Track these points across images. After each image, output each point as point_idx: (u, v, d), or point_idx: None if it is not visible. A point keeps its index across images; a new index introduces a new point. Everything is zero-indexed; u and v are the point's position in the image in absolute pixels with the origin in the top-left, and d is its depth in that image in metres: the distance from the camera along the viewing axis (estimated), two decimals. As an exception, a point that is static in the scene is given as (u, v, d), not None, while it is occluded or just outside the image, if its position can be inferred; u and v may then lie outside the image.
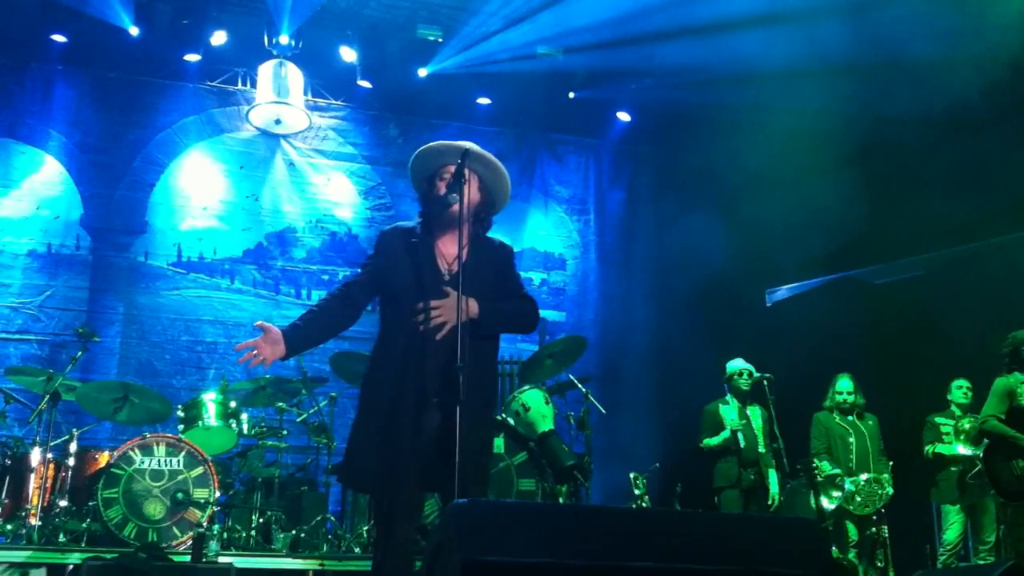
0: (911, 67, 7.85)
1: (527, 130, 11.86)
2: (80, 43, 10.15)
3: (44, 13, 9.74)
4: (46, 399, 7.37)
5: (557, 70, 10.92)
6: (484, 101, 11.27)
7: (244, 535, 7.45)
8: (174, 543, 6.96)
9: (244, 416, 7.99)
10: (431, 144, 4.37)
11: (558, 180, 11.98)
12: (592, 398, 8.09)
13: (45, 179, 10.21)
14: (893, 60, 7.99)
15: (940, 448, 8.04)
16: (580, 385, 8.08)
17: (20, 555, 6.36)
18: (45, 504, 7.09)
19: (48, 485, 7.20)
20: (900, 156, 8.80)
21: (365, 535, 7.42)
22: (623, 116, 11.61)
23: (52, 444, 7.41)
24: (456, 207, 4.14)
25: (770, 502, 7.86)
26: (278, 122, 10.66)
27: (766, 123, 9.00)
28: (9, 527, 6.95)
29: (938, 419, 8.21)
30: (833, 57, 8.18)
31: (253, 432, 8.01)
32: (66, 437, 7.52)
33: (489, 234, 4.45)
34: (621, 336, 11.45)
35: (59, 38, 10.09)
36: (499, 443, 7.11)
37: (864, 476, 7.71)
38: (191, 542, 6.67)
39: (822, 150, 8.63)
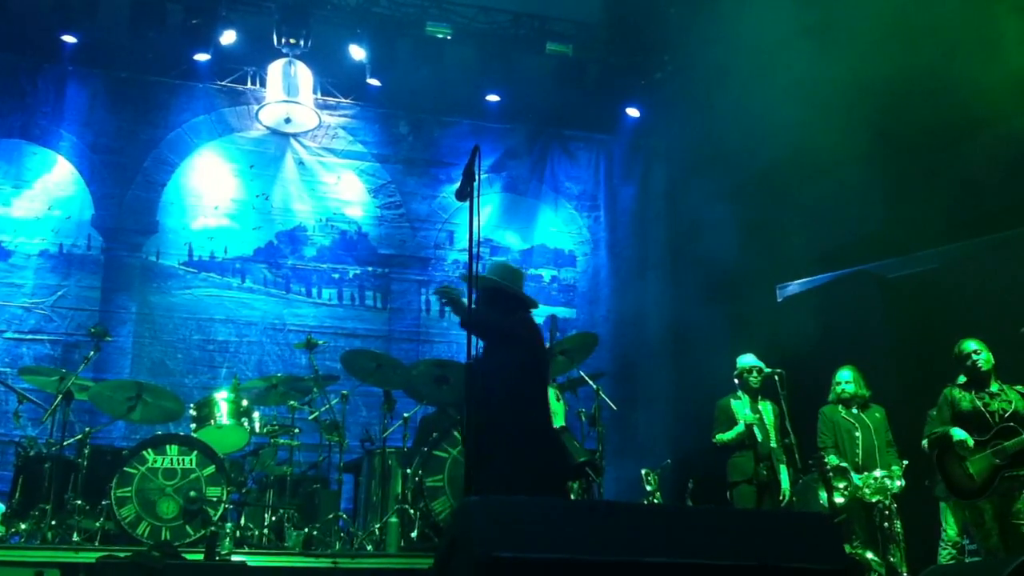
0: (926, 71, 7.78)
1: (538, 126, 11.82)
2: (92, 43, 10.18)
3: (55, 14, 9.73)
4: (59, 399, 7.40)
5: (567, 65, 10.91)
6: (494, 98, 11.22)
7: (257, 533, 7.46)
8: (187, 541, 6.97)
9: (256, 414, 8.00)
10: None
11: (568, 176, 11.92)
12: (603, 394, 8.07)
13: (57, 180, 10.24)
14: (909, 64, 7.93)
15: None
16: (591, 381, 8.06)
17: (34, 554, 6.36)
18: (59, 503, 7.11)
19: (62, 484, 7.22)
20: (915, 150, 8.72)
21: (377, 533, 7.42)
22: (632, 112, 11.57)
23: (66, 443, 7.43)
24: None
25: (782, 498, 7.84)
26: (288, 121, 10.70)
27: (781, 115, 8.94)
28: (24, 526, 6.97)
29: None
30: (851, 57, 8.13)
31: (265, 430, 8.00)
32: (79, 436, 7.53)
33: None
34: (633, 332, 11.40)
35: (70, 39, 10.10)
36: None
37: (877, 473, 7.63)
38: (204, 541, 6.68)
39: (836, 143, 8.57)
